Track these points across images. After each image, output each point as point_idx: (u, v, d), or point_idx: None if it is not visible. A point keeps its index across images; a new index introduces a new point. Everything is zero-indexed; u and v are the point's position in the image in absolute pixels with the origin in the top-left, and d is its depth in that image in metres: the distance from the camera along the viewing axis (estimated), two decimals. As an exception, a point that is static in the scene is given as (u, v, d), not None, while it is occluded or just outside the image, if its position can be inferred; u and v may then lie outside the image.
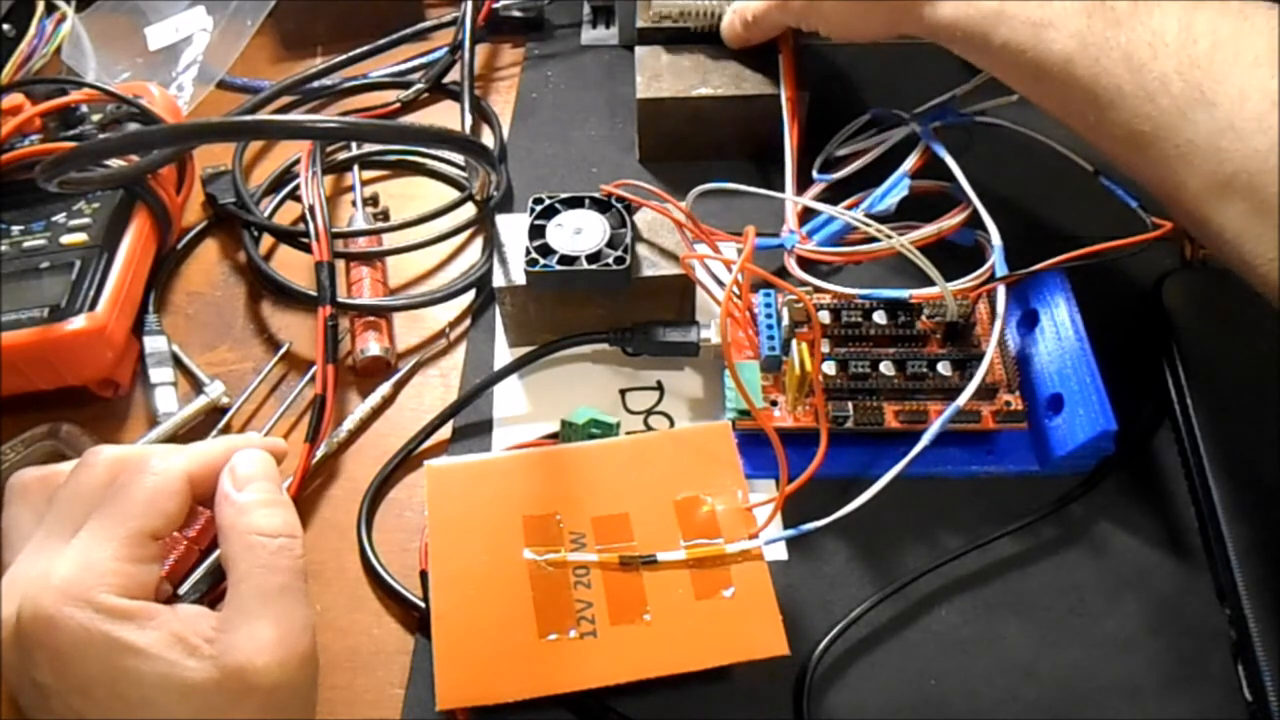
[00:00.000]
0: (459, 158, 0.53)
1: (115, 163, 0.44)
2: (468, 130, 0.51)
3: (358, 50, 0.56)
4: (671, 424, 0.44)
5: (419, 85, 0.56)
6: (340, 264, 0.47)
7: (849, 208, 0.46)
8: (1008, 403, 0.41)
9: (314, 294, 0.45)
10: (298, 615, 0.31)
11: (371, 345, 0.44)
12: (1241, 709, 0.36)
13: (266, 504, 0.32)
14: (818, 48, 0.51)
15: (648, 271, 0.42)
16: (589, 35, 0.60)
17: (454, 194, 0.51)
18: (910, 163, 0.46)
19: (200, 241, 0.51)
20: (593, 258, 0.41)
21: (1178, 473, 0.41)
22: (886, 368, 0.40)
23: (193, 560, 0.34)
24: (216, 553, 0.34)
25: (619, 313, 0.43)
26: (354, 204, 0.50)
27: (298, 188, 0.49)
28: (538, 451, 0.39)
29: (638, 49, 0.51)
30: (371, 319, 0.46)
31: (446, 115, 0.56)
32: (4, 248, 0.44)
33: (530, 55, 0.59)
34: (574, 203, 0.43)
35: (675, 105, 0.49)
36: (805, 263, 0.45)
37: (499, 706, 0.33)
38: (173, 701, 0.28)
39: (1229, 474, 0.39)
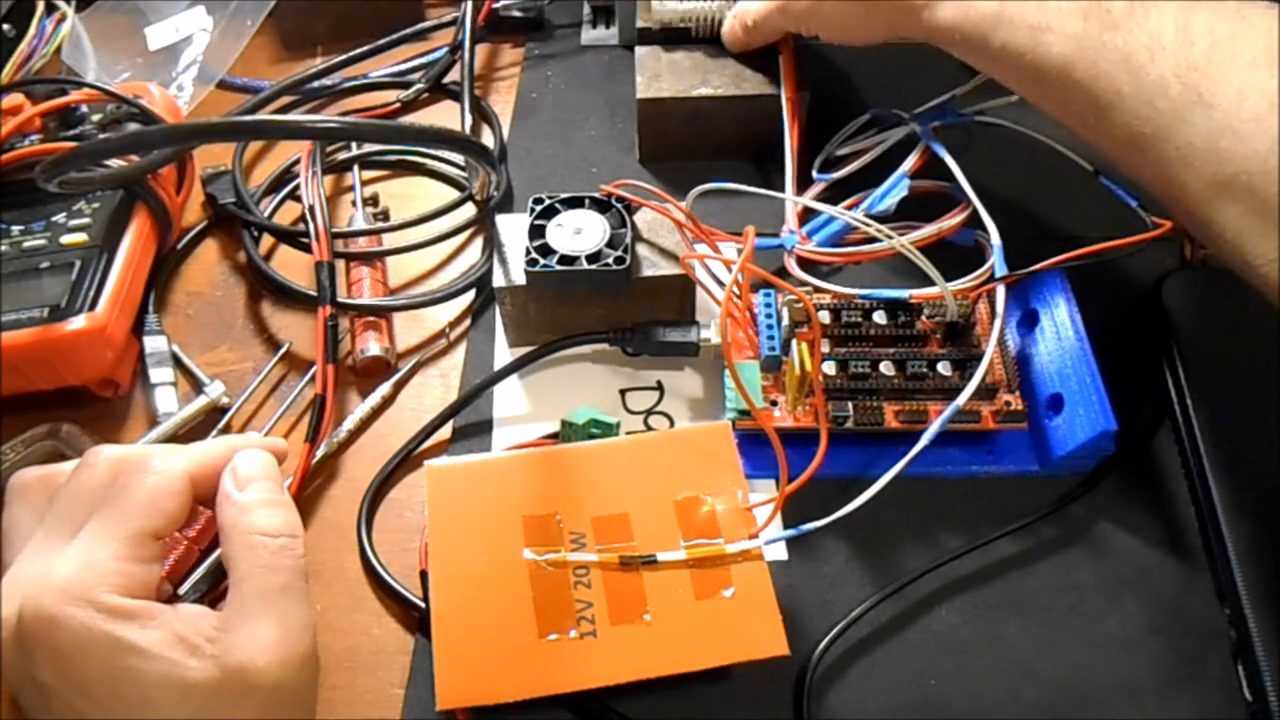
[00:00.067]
0: (459, 158, 0.53)
1: (115, 163, 0.44)
2: (468, 130, 0.51)
3: (358, 50, 0.56)
4: (671, 424, 0.44)
5: (419, 85, 0.56)
6: (340, 264, 0.47)
7: (849, 208, 0.46)
8: (1008, 403, 0.41)
9: (314, 294, 0.45)
10: (299, 615, 0.31)
11: (371, 345, 0.44)
12: (1241, 709, 0.36)
13: (268, 504, 0.32)
14: (818, 48, 0.51)
15: (648, 271, 0.42)
16: (589, 35, 0.60)
17: (454, 194, 0.51)
18: (910, 163, 0.46)
19: (200, 241, 0.51)
20: (593, 258, 0.41)
21: (1178, 473, 0.41)
22: (886, 368, 0.40)
23: (193, 560, 0.35)
24: (217, 553, 0.34)
25: (619, 313, 0.43)
26: (354, 204, 0.50)
27: (298, 188, 0.49)
28: (538, 451, 0.39)
29: (638, 49, 0.51)
30: (371, 319, 0.46)
31: (446, 115, 0.56)
32: (4, 248, 0.44)
33: (530, 55, 0.59)
34: (574, 203, 0.43)
35: (675, 105, 0.49)
36: (805, 263, 0.45)
37: (499, 706, 0.33)
38: (174, 701, 0.28)
39: (1229, 474, 0.39)
